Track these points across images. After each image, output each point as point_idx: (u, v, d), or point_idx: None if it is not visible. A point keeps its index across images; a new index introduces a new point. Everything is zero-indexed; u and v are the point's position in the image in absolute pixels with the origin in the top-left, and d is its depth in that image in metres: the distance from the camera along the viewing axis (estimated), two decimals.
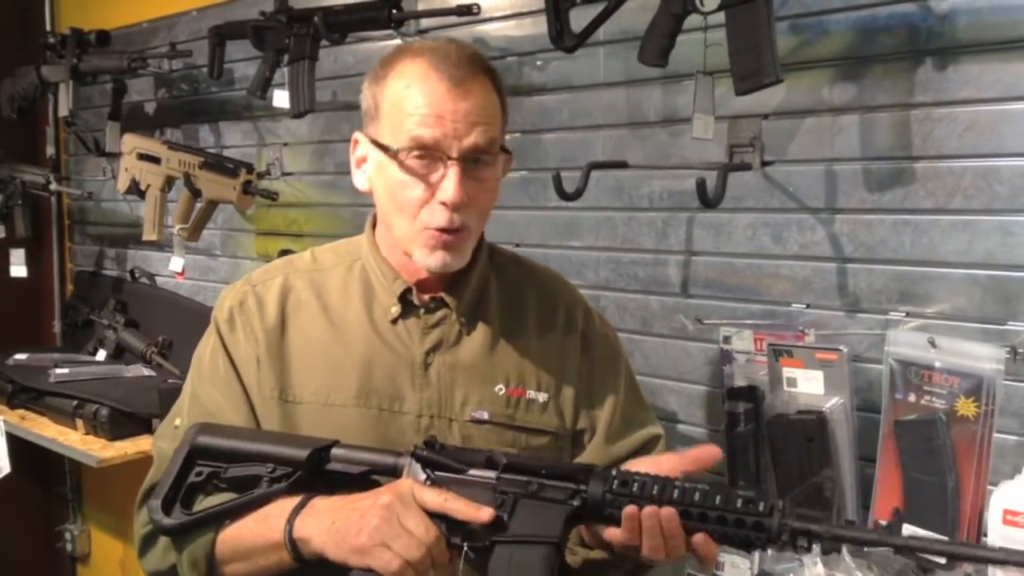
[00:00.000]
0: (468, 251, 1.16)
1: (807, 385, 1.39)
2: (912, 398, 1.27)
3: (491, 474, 1.03)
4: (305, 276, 1.23)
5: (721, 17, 1.40)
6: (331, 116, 2.35)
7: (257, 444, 1.11)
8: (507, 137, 1.95)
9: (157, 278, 2.89)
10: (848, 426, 1.37)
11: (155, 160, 2.51)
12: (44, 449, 2.52)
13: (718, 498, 0.96)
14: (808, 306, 1.56)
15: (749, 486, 1.01)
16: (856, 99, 1.50)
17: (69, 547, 3.39)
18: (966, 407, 1.22)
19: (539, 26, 1.75)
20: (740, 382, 1.55)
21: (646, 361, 1.79)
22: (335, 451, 1.10)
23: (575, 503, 1.00)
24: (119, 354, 2.80)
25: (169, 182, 2.52)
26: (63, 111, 2.73)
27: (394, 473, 1.06)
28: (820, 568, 1.35)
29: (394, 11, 1.94)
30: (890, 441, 1.29)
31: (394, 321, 1.19)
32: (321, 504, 1.05)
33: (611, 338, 1.30)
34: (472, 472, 1.03)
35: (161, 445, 1.20)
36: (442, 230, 1.11)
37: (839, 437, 1.36)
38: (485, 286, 1.23)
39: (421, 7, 2.07)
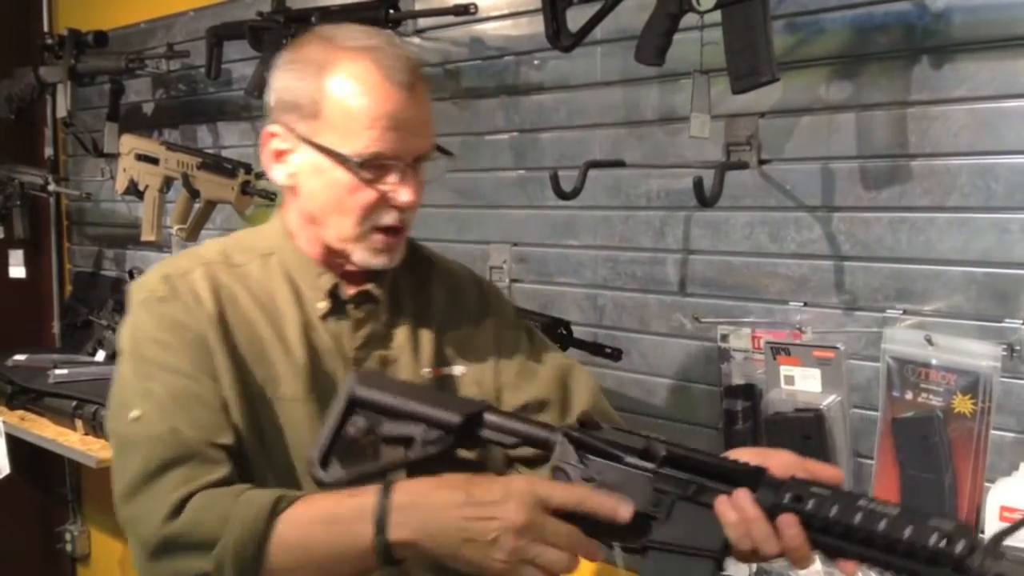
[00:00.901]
0: (404, 248, 1.19)
1: (805, 383, 1.39)
2: (909, 396, 1.27)
3: (649, 465, 0.94)
4: (224, 270, 1.17)
5: (718, 16, 1.40)
6: None
7: (413, 402, 1.04)
8: (506, 136, 1.98)
9: None
10: (845, 424, 1.37)
11: (153, 161, 2.51)
12: (44, 450, 2.52)
13: (909, 529, 0.83)
14: (805, 304, 1.56)
15: (945, 517, 0.87)
16: (852, 97, 1.50)
17: (69, 548, 3.39)
18: (963, 404, 1.22)
19: (536, 25, 1.75)
20: (738, 380, 1.55)
21: (644, 360, 1.80)
22: (488, 417, 1.03)
23: None
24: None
25: (167, 182, 2.52)
26: (61, 112, 2.74)
27: (547, 447, 1.00)
28: (819, 565, 1.35)
29: (391, 11, 1.95)
30: (887, 439, 1.29)
31: (323, 317, 1.18)
32: (407, 500, 0.95)
33: (506, 298, 1.38)
34: (628, 460, 0.95)
35: (122, 429, 1.08)
36: (389, 230, 1.14)
37: (836, 435, 1.36)
38: (395, 274, 1.24)
39: (418, 7, 2.07)
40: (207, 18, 2.54)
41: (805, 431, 1.37)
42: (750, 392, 1.52)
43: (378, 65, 1.10)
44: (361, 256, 1.15)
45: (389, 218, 1.13)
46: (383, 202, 1.12)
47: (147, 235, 2.53)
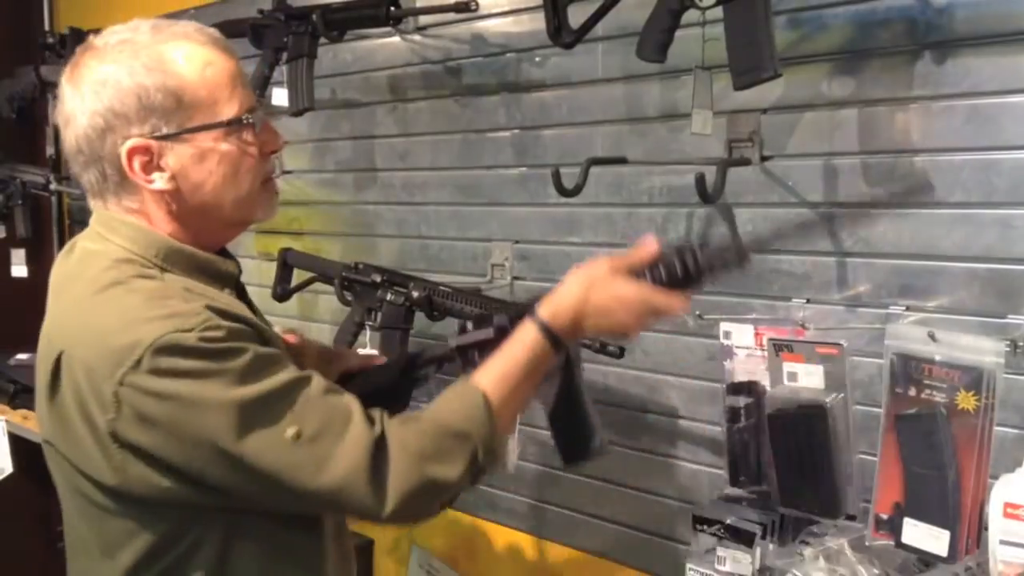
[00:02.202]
0: None
1: (808, 380, 1.39)
2: (912, 392, 1.27)
3: None
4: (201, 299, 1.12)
5: (719, 12, 1.40)
6: (331, 114, 2.35)
7: None
8: (507, 133, 1.98)
9: None
10: (848, 420, 1.37)
11: None
12: None
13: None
14: (808, 300, 1.55)
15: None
16: (855, 93, 1.50)
17: None
18: (966, 400, 1.22)
19: (537, 22, 1.75)
20: (741, 377, 1.54)
21: (647, 357, 1.79)
22: None
23: None
24: None
25: None
26: None
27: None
28: (822, 562, 1.35)
29: (392, 8, 1.95)
30: (891, 435, 1.29)
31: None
32: (567, 327, 1.21)
33: None
34: None
35: (287, 457, 1.05)
36: (269, 178, 1.22)
37: (839, 431, 1.36)
38: None
39: (420, 3, 2.07)
40: (208, 16, 2.53)
41: (808, 428, 1.37)
42: (753, 389, 1.52)
43: (197, 40, 1.14)
44: (263, 211, 1.22)
45: (270, 166, 1.21)
46: (262, 155, 1.19)
47: None
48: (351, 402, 1.11)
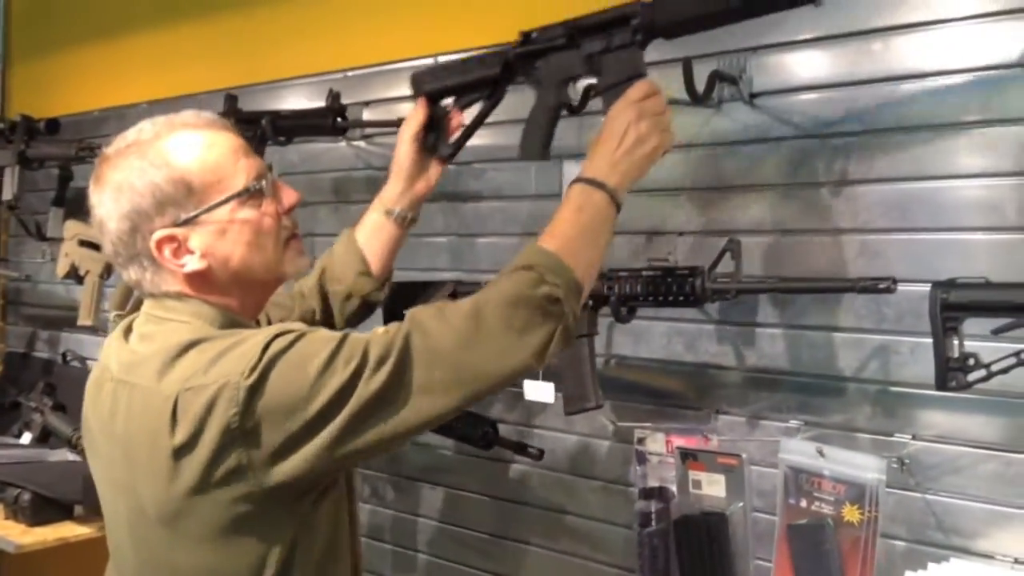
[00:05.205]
0: None
1: (711, 488, 1.48)
2: (804, 503, 1.36)
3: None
4: None
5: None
6: None
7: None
8: (444, 239, 2.07)
9: (89, 362, 2.88)
10: (747, 528, 1.45)
11: (96, 247, 2.55)
12: None
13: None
14: (717, 412, 1.65)
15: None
16: (760, 223, 1.62)
17: None
18: (851, 513, 1.31)
19: (478, 138, 1.84)
20: (653, 482, 1.62)
21: (570, 461, 1.87)
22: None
23: None
24: (45, 438, 2.76)
25: (108, 269, 2.55)
26: (7, 195, 2.75)
27: None
28: None
29: (339, 119, 2.05)
30: (784, 544, 1.37)
31: None
32: (615, 179, 1.26)
33: None
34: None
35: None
36: (294, 235, 1.30)
37: (739, 538, 1.44)
38: None
39: (367, 116, 2.18)
40: (160, 112, 2.55)
41: (710, 533, 1.45)
42: (663, 494, 1.59)
43: (195, 126, 1.24)
44: (291, 267, 1.29)
45: (290, 223, 1.29)
46: (279, 215, 1.27)
47: (84, 319, 2.55)
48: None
